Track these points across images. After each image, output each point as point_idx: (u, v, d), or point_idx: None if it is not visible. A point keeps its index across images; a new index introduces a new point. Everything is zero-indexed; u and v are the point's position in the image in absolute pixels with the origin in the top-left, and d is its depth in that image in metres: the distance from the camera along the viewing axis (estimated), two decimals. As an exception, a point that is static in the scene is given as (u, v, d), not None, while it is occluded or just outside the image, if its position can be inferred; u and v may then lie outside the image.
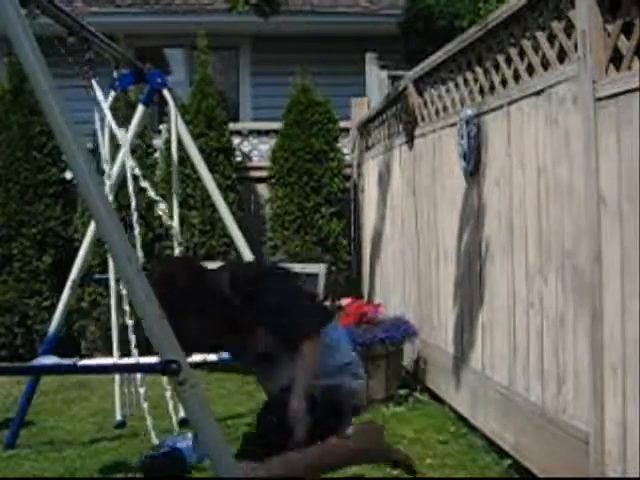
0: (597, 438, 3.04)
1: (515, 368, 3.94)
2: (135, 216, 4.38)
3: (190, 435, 4.13)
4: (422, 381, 5.66)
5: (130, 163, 4.44)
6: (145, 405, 4.16)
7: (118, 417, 4.51)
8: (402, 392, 5.54)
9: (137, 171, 4.41)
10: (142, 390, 4.16)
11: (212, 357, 4.42)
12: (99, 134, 4.31)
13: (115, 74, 4.68)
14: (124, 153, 4.63)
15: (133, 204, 4.36)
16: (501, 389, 4.12)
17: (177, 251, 4.80)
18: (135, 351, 4.22)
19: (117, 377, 4.53)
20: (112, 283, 4.42)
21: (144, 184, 4.41)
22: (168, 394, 4.47)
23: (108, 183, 4.33)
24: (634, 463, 2.79)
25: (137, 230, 4.42)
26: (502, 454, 4.14)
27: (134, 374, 4.33)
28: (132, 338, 4.21)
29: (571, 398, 3.31)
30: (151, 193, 4.49)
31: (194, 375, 2.06)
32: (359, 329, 5.40)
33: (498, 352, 4.18)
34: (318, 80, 8.12)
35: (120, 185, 4.86)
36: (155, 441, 4.19)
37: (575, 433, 3.25)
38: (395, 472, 4.15)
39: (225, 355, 4.43)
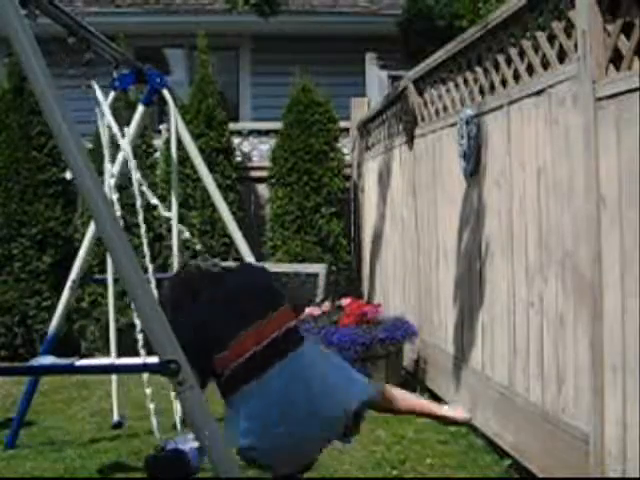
0: (597, 438, 3.04)
1: (515, 368, 3.93)
2: (141, 216, 4.32)
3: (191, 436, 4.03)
4: (422, 381, 5.66)
5: (132, 164, 4.39)
6: (151, 406, 4.10)
7: (115, 418, 4.52)
8: (402, 392, 5.53)
9: (138, 176, 4.36)
10: (148, 391, 4.12)
11: None
12: (102, 134, 4.27)
13: (115, 74, 4.68)
14: (125, 154, 4.62)
15: (138, 203, 4.31)
16: (501, 389, 4.12)
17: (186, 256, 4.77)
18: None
19: (114, 378, 4.53)
20: (110, 283, 4.40)
21: (145, 190, 4.40)
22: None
23: (108, 183, 4.31)
24: (634, 463, 2.79)
25: (143, 229, 4.35)
26: (502, 454, 4.14)
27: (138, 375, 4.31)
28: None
29: (571, 398, 3.31)
30: (153, 200, 4.50)
31: (193, 375, 2.06)
32: (359, 329, 5.40)
33: (498, 352, 4.18)
34: (318, 80, 8.12)
35: (121, 185, 4.84)
36: (159, 442, 4.09)
37: (575, 433, 3.25)
38: (395, 472, 4.17)
39: None
